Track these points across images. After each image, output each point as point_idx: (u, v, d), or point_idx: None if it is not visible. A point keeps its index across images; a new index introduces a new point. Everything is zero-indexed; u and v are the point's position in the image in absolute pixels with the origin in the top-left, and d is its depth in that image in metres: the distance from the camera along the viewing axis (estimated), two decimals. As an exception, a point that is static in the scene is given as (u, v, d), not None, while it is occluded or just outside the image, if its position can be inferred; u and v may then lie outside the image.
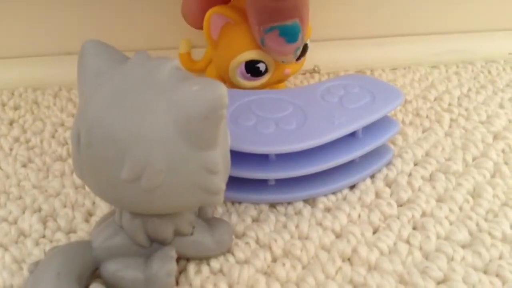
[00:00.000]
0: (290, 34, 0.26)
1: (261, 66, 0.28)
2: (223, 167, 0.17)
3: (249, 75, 0.29)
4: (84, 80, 0.17)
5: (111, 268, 0.19)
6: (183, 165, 0.16)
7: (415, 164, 0.27)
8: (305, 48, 0.30)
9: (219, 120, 0.15)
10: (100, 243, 0.19)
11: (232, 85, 0.30)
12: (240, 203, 0.25)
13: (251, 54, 0.28)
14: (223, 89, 0.15)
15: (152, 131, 0.15)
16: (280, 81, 0.31)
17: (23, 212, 0.25)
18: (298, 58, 0.29)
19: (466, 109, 0.33)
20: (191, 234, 0.20)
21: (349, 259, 0.22)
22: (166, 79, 0.16)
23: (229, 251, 0.22)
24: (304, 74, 0.38)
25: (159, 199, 0.16)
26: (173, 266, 0.19)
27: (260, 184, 0.24)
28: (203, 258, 0.21)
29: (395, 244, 0.22)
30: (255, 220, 0.24)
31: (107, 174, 0.16)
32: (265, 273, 0.21)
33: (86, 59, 0.17)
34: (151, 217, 0.19)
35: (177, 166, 0.16)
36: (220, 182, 0.17)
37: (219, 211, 0.24)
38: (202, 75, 0.34)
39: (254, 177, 0.23)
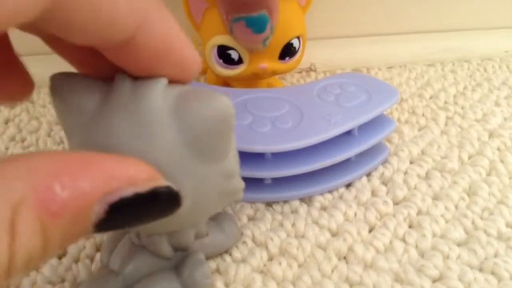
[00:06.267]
0: (256, 25, 0.25)
1: (233, 54, 0.28)
2: (238, 167, 0.17)
3: (221, 61, 0.28)
4: (71, 120, 0.15)
5: None
6: (204, 181, 0.15)
7: (411, 162, 0.27)
8: (289, 48, 0.29)
9: (229, 131, 0.15)
10: (127, 269, 0.19)
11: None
12: (236, 202, 0.25)
13: (222, 39, 0.28)
14: (225, 100, 0.14)
15: (168, 159, 0.14)
16: (257, 75, 0.29)
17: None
18: (283, 58, 0.29)
19: (462, 107, 0.33)
20: (207, 234, 0.20)
21: (345, 258, 0.22)
22: (162, 104, 0.14)
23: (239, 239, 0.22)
24: (300, 72, 0.38)
25: (188, 217, 0.16)
26: (207, 268, 0.19)
27: (256, 183, 0.24)
28: (221, 253, 0.22)
29: (391, 242, 0.22)
30: (251, 219, 0.24)
31: None
32: (261, 272, 0.21)
33: (62, 96, 0.16)
34: None
35: (200, 185, 0.15)
36: (239, 181, 0.17)
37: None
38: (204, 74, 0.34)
39: (250, 176, 0.23)
